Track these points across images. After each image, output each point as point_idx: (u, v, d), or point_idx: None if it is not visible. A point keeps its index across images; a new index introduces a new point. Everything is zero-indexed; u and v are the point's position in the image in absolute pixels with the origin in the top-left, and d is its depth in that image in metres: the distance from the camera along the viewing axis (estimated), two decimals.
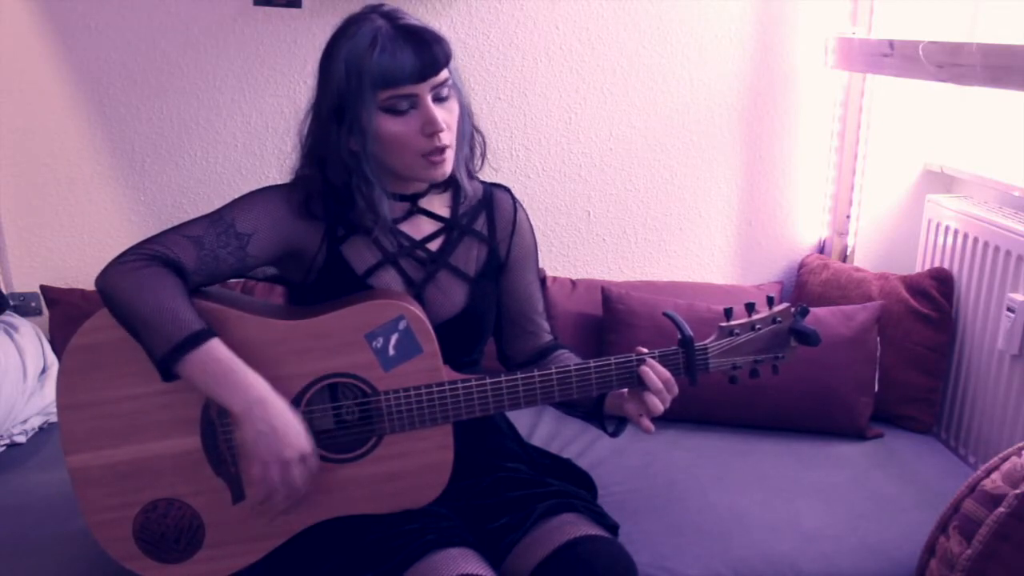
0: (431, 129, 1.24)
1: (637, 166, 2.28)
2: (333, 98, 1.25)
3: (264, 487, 1.19)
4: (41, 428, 1.92)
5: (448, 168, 1.29)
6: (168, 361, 1.16)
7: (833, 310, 2.02)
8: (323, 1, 2.08)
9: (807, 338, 1.31)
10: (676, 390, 1.29)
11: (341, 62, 1.23)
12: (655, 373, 1.26)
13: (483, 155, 1.40)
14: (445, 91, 1.26)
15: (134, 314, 1.17)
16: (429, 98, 1.24)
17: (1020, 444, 1.38)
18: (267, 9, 2.09)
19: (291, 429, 1.18)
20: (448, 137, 1.27)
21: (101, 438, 1.23)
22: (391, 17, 1.25)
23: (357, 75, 1.22)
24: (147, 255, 1.21)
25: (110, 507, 1.24)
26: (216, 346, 1.18)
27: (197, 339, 1.16)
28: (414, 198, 1.36)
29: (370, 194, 1.29)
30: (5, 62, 2.08)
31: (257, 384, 1.18)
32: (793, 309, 1.33)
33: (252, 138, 2.19)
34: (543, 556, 1.23)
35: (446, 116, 1.26)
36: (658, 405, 1.27)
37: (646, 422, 1.28)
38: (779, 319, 1.32)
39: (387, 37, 1.21)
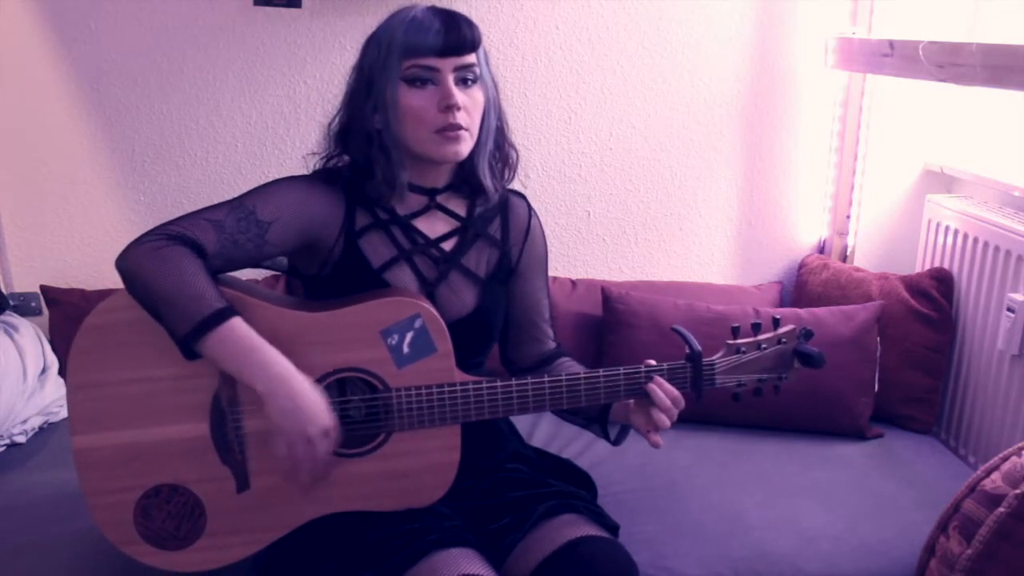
0: (447, 103, 1.25)
1: (637, 166, 2.28)
2: (365, 72, 1.30)
3: (289, 462, 1.20)
4: (41, 428, 1.92)
5: (463, 149, 1.29)
6: (191, 339, 1.17)
7: (833, 310, 2.02)
8: (323, 1, 2.08)
9: (811, 360, 1.34)
10: (683, 405, 1.30)
11: (376, 40, 1.29)
12: (663, 392, 1.27)
13: (513, 168, 1.40)
14: (470, 76, 1.28)
15: (156, 292, 1.17)
16: (451, 77, 1.26)
17: (1020, 444, 1.38)
18: (267, 9, 2.08)
19: (314, 405, 1.18)
20: (465, 119, 1.28)
21: (109, 419, 1.22)
22: (432, 4, 1.31)
23: (388, 46, 1.26)
24: (169, 235, 1.21)
25: (112, 490, 1.24)
26: (239, 324, 1.18)
27: (220, 317, 1.17)
28: (432, 193, 1.36)
29: (388, 163, 1.30)
30: (5, 62, 2.08)
31: (280, 362, 1.18)
32: (798, 331, 1.36)
33: (252, 138, 2.18)
34: (544, 556, 1.24)
35: (467, 100, 1.28)
36: (665, 422, 1.28)
37: (655, 437, 1.30)
38: (784, 340, 1.35)
39: (421, 13, 1.27)
